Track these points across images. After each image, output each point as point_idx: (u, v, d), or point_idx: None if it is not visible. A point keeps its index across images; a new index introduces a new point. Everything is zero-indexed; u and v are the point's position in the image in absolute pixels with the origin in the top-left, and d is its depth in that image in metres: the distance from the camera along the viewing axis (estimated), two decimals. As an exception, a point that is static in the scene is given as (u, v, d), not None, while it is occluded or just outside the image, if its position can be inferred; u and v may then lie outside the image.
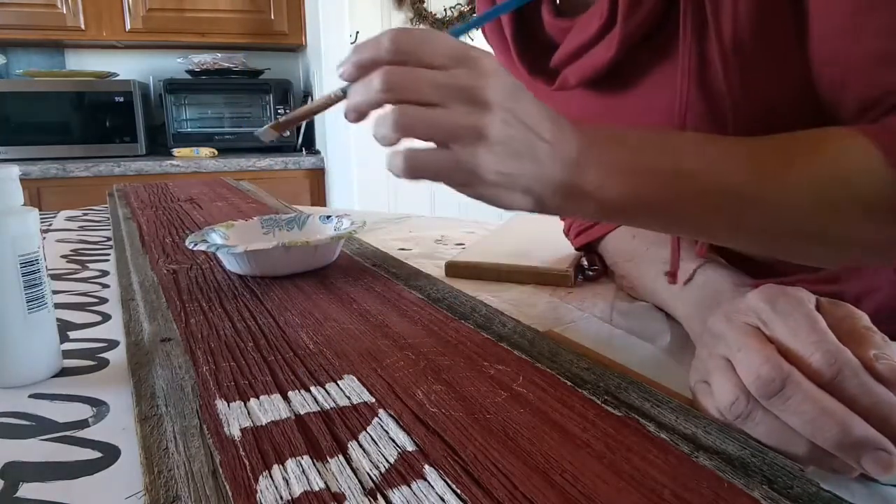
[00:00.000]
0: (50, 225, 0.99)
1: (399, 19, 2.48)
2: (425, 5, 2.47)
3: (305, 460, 0.28)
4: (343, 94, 0.39)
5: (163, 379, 0.37)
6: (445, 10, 2.50)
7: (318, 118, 2.49)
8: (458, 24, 2.48)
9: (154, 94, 2.60)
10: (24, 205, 0.39)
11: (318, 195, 2.46)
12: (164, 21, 2.40)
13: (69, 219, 1.05)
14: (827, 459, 0.27)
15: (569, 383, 0.35)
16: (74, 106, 2.27)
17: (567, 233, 0.69)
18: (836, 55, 0.41)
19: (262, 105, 2.50)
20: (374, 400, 0.34)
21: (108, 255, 0.77)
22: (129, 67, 2.59)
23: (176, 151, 2.39)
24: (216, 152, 2.40)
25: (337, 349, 0.41)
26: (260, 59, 2.67)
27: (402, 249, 0.77)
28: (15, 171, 0.38)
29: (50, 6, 2.27)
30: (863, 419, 0.26)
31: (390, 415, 0.32)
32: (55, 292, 0.58)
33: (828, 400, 0.26)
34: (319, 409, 0.33)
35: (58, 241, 0.86)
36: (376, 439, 0.30)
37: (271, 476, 0.27)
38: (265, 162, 2.34)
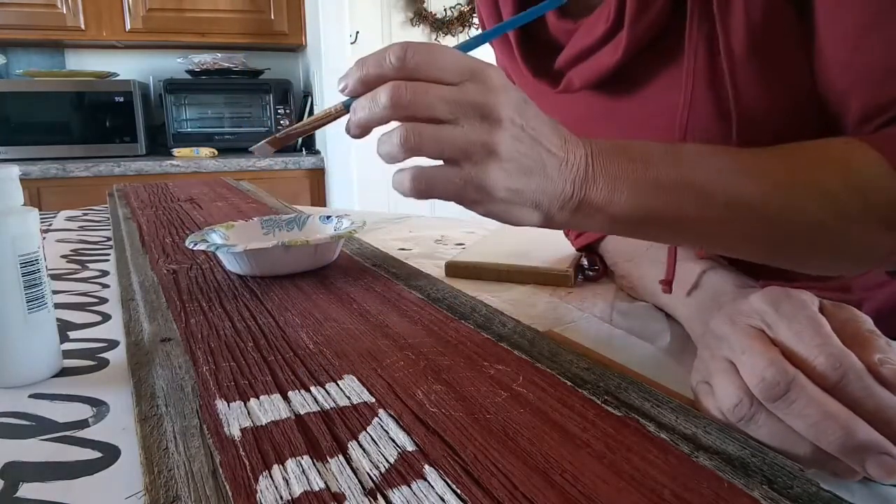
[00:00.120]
0: (50, 225, 0.99)
1: (399, 19, 2.48)
2: (425, 5, 2.47)
3: (305, 460, 0.28)
4: (345, 109, 0.38)
5: (163, 379, 0.37)
6: (445, 10, 2.50)
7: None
8: (457, 25, 2.49)
9: (154, 94, 2.60)
10: (24, 205, 0.39)
11: (318, 195, 2.46)
12: (164, 21, 2.40)
13: (69, 219, 1.05)
14: (830, 463, 0.27)
15: (569, 383, 0.35)
16: (74, 106, 2.27)
17: (567, 233, 0.69)
18: (842, 64, 0.41)
19: (262, 105, 2.50)
20: (374, 400, 0.34)
21: (108, 255, 0.77)
22: (129, 67, 2.59)
23: (176, 151, 2.39)
24: (216, 152, 2.40)
25: (337, 349, 0.41)
26: (260, 59, 2.67)
27: (402, 249, 0.77)
28: (15, 171, 0.38)
29: (50, 6, 2.27)
30: (867, 423, 0.26)
31: (390, 415, 0.32)
32: (55, 292, 0.58)
33: (832, 403, 0.26)
34: (319, 409, 0.33)
35: (58, 241, 0.86)
36: (376, 439, 0.30)
37: (271, 476, 0.27)
38: (265, 162, 2.34)
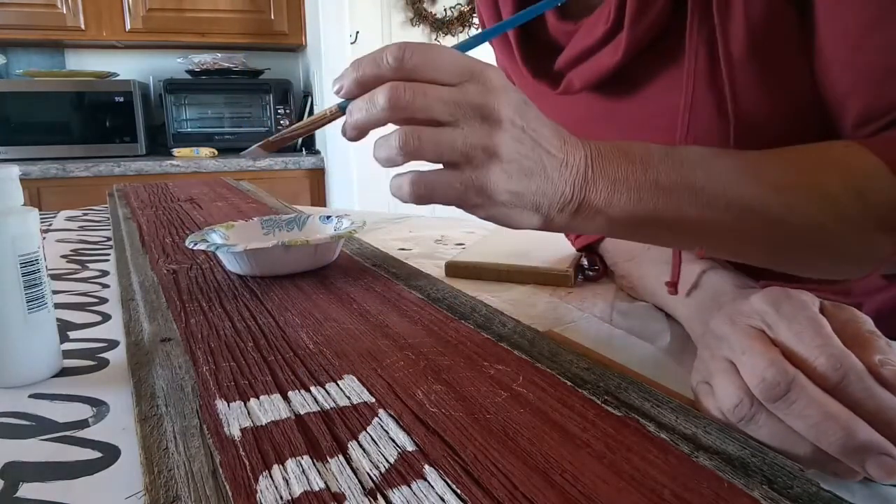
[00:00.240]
0: (50, 225, 0.99)
1: (399, 19, 2.48)
2: (425, 5, 2.47)
3: (305, 460, 0.28)
4: (340, 111, 0.37)
5: (163, 379, 0.37)
6: (445, 10, 2.50)
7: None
8: (457, 25, 2.49)
9: (154, 94, 2.60)
10: (24, 205, 0.39)
11: (318, 195, 2.46)
12: (164, 21, 2.40)
13: (69, 219, 1.05)
14: (830, 463, 0.27)
15: (569, 383, 0.35)
16: (74, 106, 2.27)
17: (567, 233, 0.69)
18: (842, 65, 0.41)
19: (262, 105, 2.50)
20: (374, 400, 0.34)
21: (108, 255, 0.77)
22: (129, 67, 2.59)
23: (176, 151, 2.39)
24: (216, 152, 2.40)
25: (337, 349, 0.41)
26: (260, 59, 2.67)
27: (402, 249, 0.77)
28: (15, 171, 0.38)
29: (50, 6, 2.27)
30: (867, 424, 0.26)
31: (390, 415, 0.32)
32: (55, 292, 0.58)
33: (832, 404, 0.26)
34: (319, 409, 0.33)
35: (58, 241, 0.86)
36: (376, 439, 0.30)
37: (271, 476, 0.27)
38: (265, 162, 2.34)
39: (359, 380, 0.36)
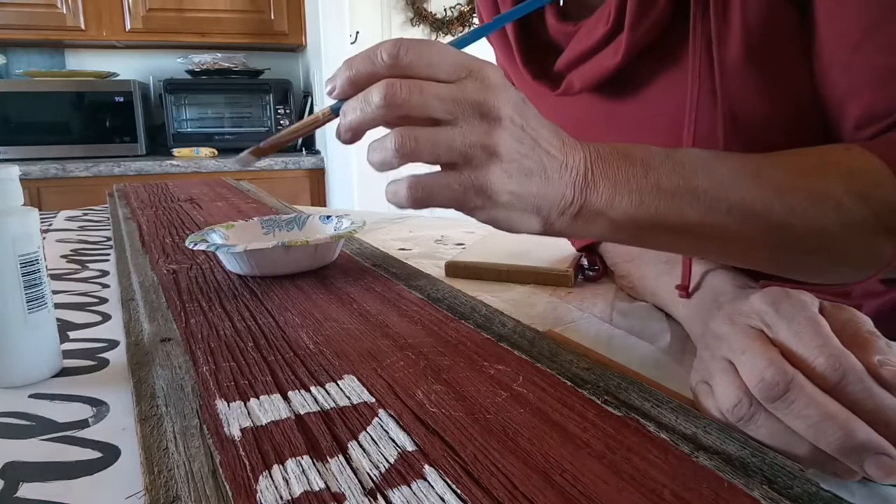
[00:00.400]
0: (50, 225, 0.99)
1: (399, 19, 2.48)
2: (425, 5, 2.47)
3: (305, 460, 0.28)
4: (333, 114, 0.36)
5: (163, 379, 0.37)
6: (445, 10, 2.50)
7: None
8: (457, 25, 2.49)
9: (154, 94, 2.60)
10: (24, 205, 0.39)
11: (318, 195, 2.46)
12: (164, 21, 2.40)
13: (69, 219, 1.05)
14: (829, 463, 0.27)
15: (569, 383, 0.35)
16: (74, 106, 2.27)
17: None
18: (842, 66, 0.41)
19: (262, 105, 2.50)
20: (374, 400, 0.34)
21: (108, 255, 0.77)
22: (129, 67, 2.59)
23: (176, 151, 2.39)
24: (216, 152, 2.40)
25: (337, 349, 0.41)
26: (260, 59, 2.67)
27: (402, 249, 0.77)
28: (15, 171, 0.38)
29: (50, 6, 2.27)
30: (866, 424, 0.26)
31: (390, 415, 0.32)
32: (55, 292, 0.58)
33: (831, 404, 0.26)
34: (319, 409, 0.33)
35: (58, 241, 0.86)
36: (376, 439, 0.30)
37: (271, 476, 0.27)
38: (265, 162, 2.34)
39: (359, 380, 0.36)
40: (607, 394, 0.34)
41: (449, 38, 2.51)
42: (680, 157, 0.38)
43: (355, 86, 0.33)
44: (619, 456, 0.28)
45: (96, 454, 0.31)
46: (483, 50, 0.59)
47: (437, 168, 0.34)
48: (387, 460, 0.28)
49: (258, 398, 0.34)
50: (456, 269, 0.64)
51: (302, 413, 0.32)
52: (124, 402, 0.36)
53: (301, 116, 2.63)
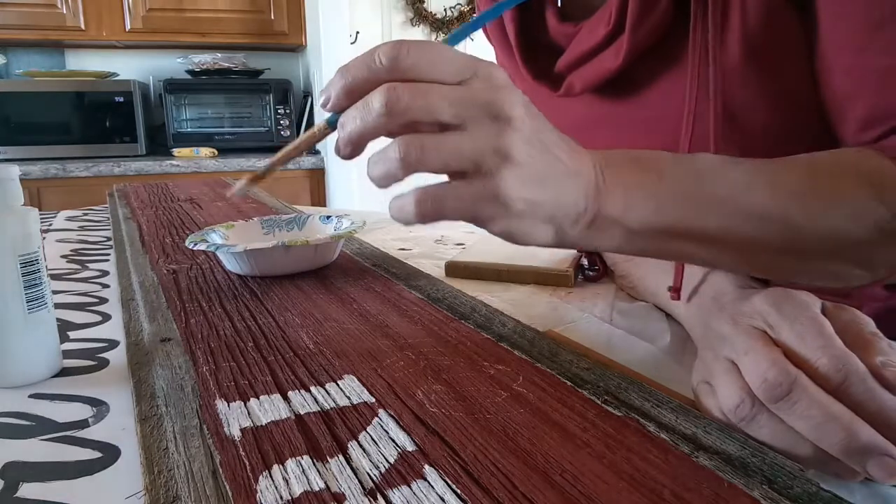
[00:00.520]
0: (50, 225, 0.99)
1: (399, 19, 2.48)
2: (425, 5, 2.47)
3: (305, 460, 0.28)
4: (330, 127, 0.33)
5: (163, 379, 0.37)
6: (445, 10, 2.50)
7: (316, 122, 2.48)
8: (457, 25, 2.49)
9: (154, 94, 2.60)
10: (24, 205, 0.39)
11: (318, 195, 2.46)
12: (164, 21, 2.40)
13: (69, 219, 1.05)
14: (831, 464, 0.27)
15: (569, 383, 0.35)
16: (74, 106, 2.27)
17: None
18: (846, 70, 0.41)
19: (262, 105, 2.50)
20: (374, 400, 0.34)
21: (108, 255, 0.77)
22: (129, 67, 2.59)
23: (176, 151, 2.39)
24: (216, 152, 2.40)
25: (337, 349, 0.41)
26: (260, 59, 2.67)
27: (402, 249, 0.77)
28: (15, 170, 0.38)
29: (50, 6, 2.27)
30: (869, 425, 0.26)
31: (390, 415, 0.32)
32: (55, 292, 0.58)
33: (834, 405, 0.26)
34: (319, 409, 0.33)
35: (58, 241, 0.86)
36: (376, 439, 0.30)
37: (271, 476, 0.27)
38: (265, 162, 2.33)
39: (359, 380, 0.36)
40: (607, 394, 0.34)
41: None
42: (693, 162, 0.36)
43: (352, 95, 0.31)
44: (619, 456, 0.28)
45: (96, 454, 0.31)
46: (483, 50, 0.59)
47: (445, 178, 0.32)
48: (387, 460, 0.28)
49: (258, 398, 0.34)
50: (456, 269, 0.64)
51: (302, 413, 0.32)
52: (124, 402, 0.36)
53: (301, 116, 2.63)
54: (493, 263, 0.63)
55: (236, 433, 0.30)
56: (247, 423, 0.31)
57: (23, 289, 0.38)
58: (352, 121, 0.30)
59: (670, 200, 0.34)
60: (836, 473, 0.27)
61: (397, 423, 0.31)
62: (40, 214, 0.41)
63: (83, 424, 0.34)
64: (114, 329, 0.49)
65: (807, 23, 0.42)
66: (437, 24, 2.49)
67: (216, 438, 0.30)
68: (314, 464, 0.28)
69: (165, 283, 0.57)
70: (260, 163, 2.33)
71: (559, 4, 0.57)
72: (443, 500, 0.25)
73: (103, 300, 0.57)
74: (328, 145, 2.36)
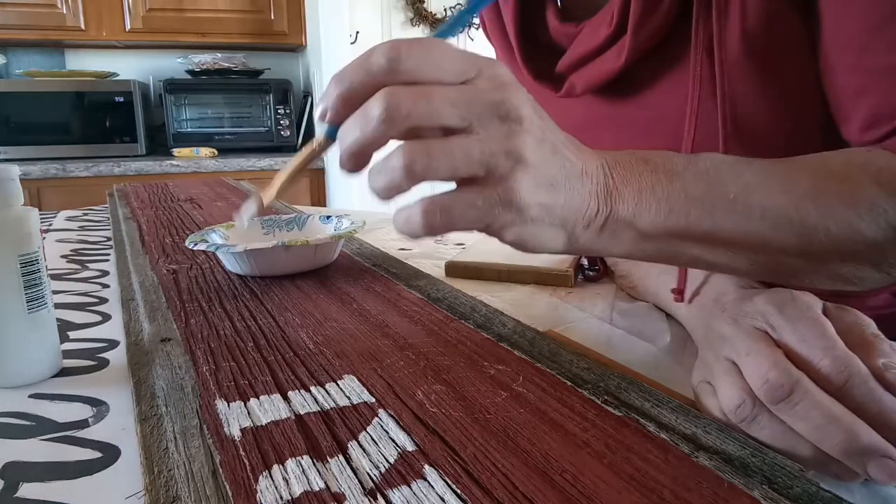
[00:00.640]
0: (50, 225, 0.99)
1: (399, 19, 2.48)
2: (425, 5, 2.47)
3: (305, 460, 0.28)
4: (331, 139, 0.31)
5: (163, 379, 0.37)
6: (445, 10, 2.50)
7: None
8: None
9: (154, 94, 2.60)
10: (24, 205, 0.39)
11: (318, 195, 2.46)
12: (164, 21, 2.40)
13: (69, 219, 1.05)
14: (831, 465, 0.27)
15: (569, 383, 0.35)
16: (74, 106, 2.27)
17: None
18: (851, 68, 0.41)
19: (262, 105, 2.51)
20: (374, 400, 0.34)
21: (108, 255, 0.77)
22: (129, 67, 2.59)
23: (176, 151, 2.39)
24: (216, 152, 2.40)
25: (337, 349, 0.41)
26: (260, 59, 2.67)
27: (402, 249, 0.77)
28: (15, 171, 0.38)
29: (50, 6, 2.27)
30: (870, 427, 0.26)
31: (390, 415, 0.32)
32: (55, 292, 0.58)
33: (836, 407, 0.26)
34: (319, 409, 0.33)
35: (58, 241, 0.86)
36: (376, 439, 0.30)
37: (271, 476, 0.27)
38: (265, 162, 2.34)
39: (359, 380, 0.36)
40: (607, 394, 0.34)
41: (449, 38, 2.52)
42: (703, 163, 0.35)
43: (350, 103, 0.29)
44: (619, 456, 0.28)
45: (96, 454, 0.31)
46: (483, 50, 0.59)
47: (453, 186, 0.30)
48: (387, 460, 0.28)
49: (258, 398, 0.34)
50: (456, 269, 0.64)
51: (302, 413, 0.32)
52: (124, 402, 0.36)
53: (301, 116, 2.62)
54: (493, 263, 0.63)
55: (236, 433, 0.30)
56: (247, 423, 0.31)
57: (23, 289, 0.38)
58: (351, 131, 0.28)
59: (683, 201, 0.33)
60: (836, 475, 0.27)
61: (397, 423, 0.31)
62: (40, 214, 0.41)
63: (83, 424, 0.34)
64: (114, 329, 0.49)
65: (810, 23, 0.42)
66: (437, 24, 2.49)
67: (216, 438, 0.30)
68: (314, 464, 0.28)
69: (165, 283, 0.57)
70: (260, 163, 2.33)
71: (560, 4, 0.56)
72: (443, 500, 0.25)
73: (103, 300, 0.57)
74: (328, 145, 2.36)
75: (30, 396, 0.38)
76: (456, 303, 0.50)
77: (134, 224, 0.88)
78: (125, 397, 0.37)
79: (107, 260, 0.74)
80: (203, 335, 0.44)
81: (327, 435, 0.30)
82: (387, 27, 2.47)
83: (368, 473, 0.27)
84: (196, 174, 2.25)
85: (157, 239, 0.77)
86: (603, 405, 0.32)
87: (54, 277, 0.65)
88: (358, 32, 2.39)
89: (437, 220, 0.28)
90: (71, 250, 0.80)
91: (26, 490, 0.28)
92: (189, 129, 2.45)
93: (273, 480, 0.26)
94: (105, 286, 0.62)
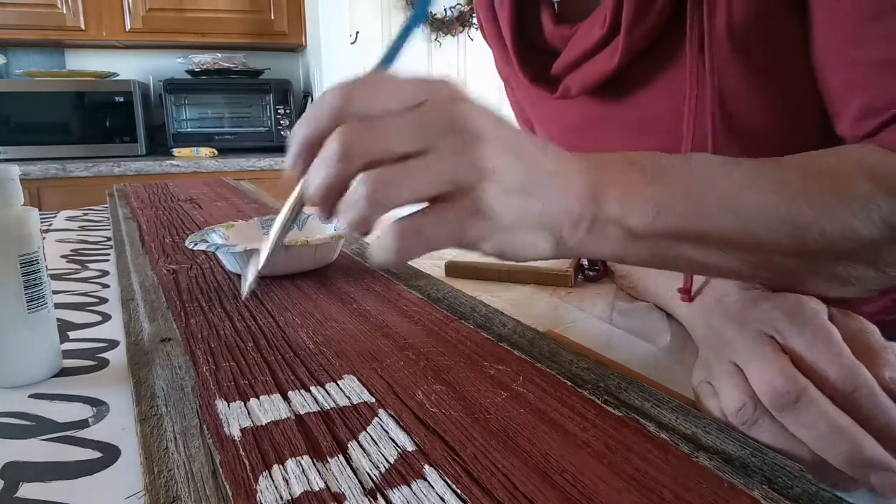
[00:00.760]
0: (50, 225, 0.99)
1: (399, 19, 2.48)
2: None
3: (305, 460, 0.28)
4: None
5: (163, 379, 0.37)
6: (445, 10, 2.50)
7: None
8: (457, 25, 2.49)
9: (154, 94, 2.60)
10: (24, 205, 0.39)
11: (318, 195, 2.45)
12: (164, 21, 2.40)
13: (69, 219, 1.05)
14: (831, 473, 0.27)
15: (569, 383, 0.35)
16: (74, 106, 2.27)
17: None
18: (843, 61, 0.41)
19: (262, 105, 2.51)
20: (374, 400, 0.34)
21: (108, 255, 0.77)
22: (129, 67, 2.59)
23: (176, 151, 2.39)
24: (216, 152, 2.40)
25: (337, 349, 0.41)
26: (260, 59, 2.67)
27: (402, 249, 0.77)
28: (15, 171, 0.38)
29: (50, 6, 2.27)
30: (874, 438, 0.26)
31: (390, 415, 0.32)
32: (55, 292, 0.58)
33: (841, 417, 0.26)
34: (319, 409, 0.33)
35: (58, 241, 0.86)
36: (376, 439, 0.30)
37: (271, 476, 0.27)
38: (265, 162, 2.34)
39: (359, 380, 0.36)
40: (607, 394, 0.34)
41: (449, 38, 2.51)
42: (692, 163, 0.35)
43: (310, 149, 0.29)
44: (619, 456, 0.28)
45: (96, 454, 0.31)
46: (483, 50, 0.59)
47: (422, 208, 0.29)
48: (387, 460, 0.28)
49: (258, 398, 0.34)
50: (456, 269, 0.64)
51: (302, 413, 0.32)
52: (124, 402, 0.36)
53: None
54: (493, 263, 0.63)
55: (236, 433, 0.30)
56: (247, 423, 0.31)
57: (23, 289, 0.38)
58: (316, 174, 0.28)
59: (671, 201, 0.33)
60: (834, 482, 0.27)
61: (397, 423, 0.31)
62: (40, 214, 0.41)
63: (83, 424, 0.34)
64: (114, 329, 0.49)
65: (802, 21, 0.43)
66: (437, 24, 2.49)
67: (216, 438, 0.30)
68: (314, 464, 0.28)
69: (165, 283, 0.57)
70: (260, 163, 2.33)
71: (555, 8, 0.57)
72: (443, 500, 0.25)
73: (103, 300, 0.57)
74: (328, 145, 2.36)
75: (30, 396, 0.38)
76: (456, 303, 0.50)
77: (134, 224, 0.88)
78: (125, 397, 0.37)
79: (107, 260, 0.74)
80: (203, 335, 0.44)
81: (327, 435, 0.30)
82: (387, 27, 2.47)
83: (368, 473, 0.27)
84: (196, 174, 2.24)
85: (157, 239, 0.77)
86: (603, 405, 0.32)
87: (54, 277, 0.65)
88: (358, 32, 2.39)
89: (411, 243, 0.28)
90: (71, 250, 0.80)
91: (26, 490, 0.28)
92: (189, 129, 2.45)
93: (273, 480, 0.26)
94: (105, 286, 0.62)
